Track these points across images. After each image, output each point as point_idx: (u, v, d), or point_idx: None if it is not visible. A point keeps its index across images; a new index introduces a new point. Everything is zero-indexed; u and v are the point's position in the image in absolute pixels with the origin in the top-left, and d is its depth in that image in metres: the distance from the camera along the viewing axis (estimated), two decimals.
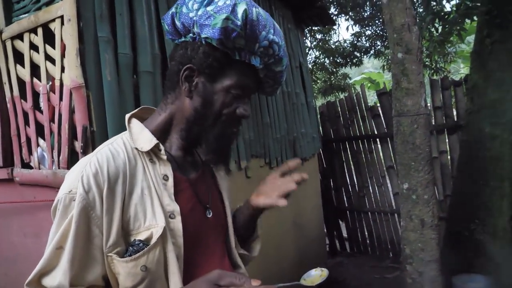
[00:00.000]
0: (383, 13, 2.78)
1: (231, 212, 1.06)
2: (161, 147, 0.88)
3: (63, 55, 1.52)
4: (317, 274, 0.84)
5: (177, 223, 0.84)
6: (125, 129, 0.92)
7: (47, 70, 1.61)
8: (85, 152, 1.46)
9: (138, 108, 0.99)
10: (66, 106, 1.51)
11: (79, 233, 0.77)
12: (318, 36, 8.39)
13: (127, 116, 0.94)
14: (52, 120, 1.60)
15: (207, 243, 0.93)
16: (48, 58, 1.60)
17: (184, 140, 0.93)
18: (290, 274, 2.71)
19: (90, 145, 1.46)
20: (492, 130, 3.33)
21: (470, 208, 3.35)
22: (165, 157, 0.87)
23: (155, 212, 0.82)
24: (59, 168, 1.55)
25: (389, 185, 4.49)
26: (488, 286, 2.91)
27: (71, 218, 0.77)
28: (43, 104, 1.64)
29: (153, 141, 0.87)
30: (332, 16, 6.07)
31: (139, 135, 0.89)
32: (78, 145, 1.49)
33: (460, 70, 11.85)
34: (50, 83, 1.62)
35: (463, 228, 3.36)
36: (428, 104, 3.74)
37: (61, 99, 1.54)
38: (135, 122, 0.93)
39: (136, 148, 0.87)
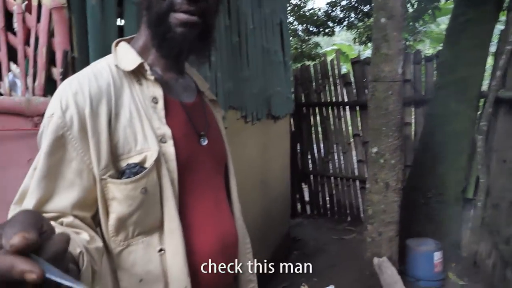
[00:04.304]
0: None
1: None
2: (147, 67, 0.83)
3: None
4: None
5: (169, 147, 0.81)
6: None
7: None
8: (64, 79, 1.37)
9: (129, 37, 0.94)
10: (45, 29, 1.39)
11: (51, 152, 0.73)
12: (293, 1, 8.28)
13: (116, 40, 0.89)
14: (26, 43, 1.48)
15: (201, 172, 0.90)
16: None
17: (161, 52, 0.87)
18: (253, 228, 2.77)
19: (70, 71, 1.37)
20: (457, 106, 3.47)
21: (428, 178, 3.53)
22: (152, 77, 0.83)
23: (147, 136, 0.79)
24: (33, 95, 1.45)
25: (353, 152, 4.62)
26: (437, 249, 3.11)
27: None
28: (17, 25, 1.51)
29: (138, 60, 0.83)
30: None
31: (124, 56, 0.85)
32: (56, 71, 1.39)
33: (426, 51, 12.15)
34: (26, 2, 1.48)
35: (420, 196, 3.54)
36: None
37: (38, 20, 1.42)
38: (122, 44, 0.88)
39: (122, 70, 0.83)
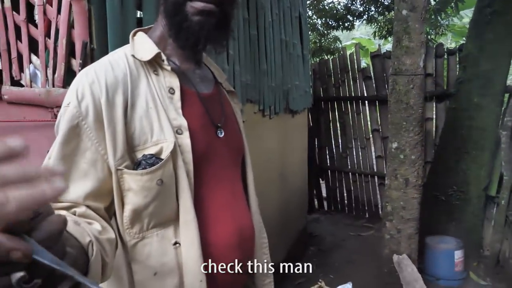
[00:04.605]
0: None
1: None
2: (163, 57, 0.82)
3: None
4: None
5: (185, 139, 0.80)
6: None
7: None
8: None
9: (147, 27, 0.93)
10: (65, 20, 1.40)
11: (66, 141, 0.73)
12: None
13: (133, 30, 0.89)
14: (47, 35, 1.49)
15: (218, 164, 0.88)
16: None
17: (177, 43, 0.86)
18: (270, 222, 2.75)
19: (89, 62, 1.37)
20: (480, 100, 3.37)
21: (449, 175, 3.45)
22: (169, 67, 0.83)
23: (163, 127, 0.78)
24: (53, 86, 1.47)
25: (372, 148, 4.55)
26: (458, 248, 3.05)
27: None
28: (38, 17, 1.52)
29: (154, 50, 0.82)
30: None
31: (141, 46, 0.84)
32: (76, 62, 1.40)
33: (448, 44, 11.86)
34: None
35: (441, 193, 3.47)
36: None
37: (59, 12, 1.44)
38: (140, 34, 0.88)
39: (139, 60, 0.82)
